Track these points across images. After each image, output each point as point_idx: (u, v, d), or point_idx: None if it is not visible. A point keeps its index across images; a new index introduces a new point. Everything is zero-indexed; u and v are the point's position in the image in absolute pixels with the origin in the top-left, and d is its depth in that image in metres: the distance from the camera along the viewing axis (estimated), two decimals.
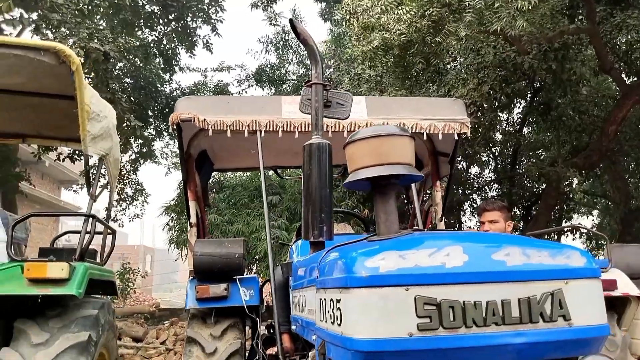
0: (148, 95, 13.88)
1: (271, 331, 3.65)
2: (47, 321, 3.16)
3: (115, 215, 14.70)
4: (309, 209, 2.42)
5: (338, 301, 1.71)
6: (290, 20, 2.80)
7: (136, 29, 14.09)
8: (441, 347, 1.56)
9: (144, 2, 13.84)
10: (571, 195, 10.79)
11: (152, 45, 14.56)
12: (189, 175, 4.41)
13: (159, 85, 14.46)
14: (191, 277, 3.79)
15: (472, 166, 12.28)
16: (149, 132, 14.88)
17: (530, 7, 5.73)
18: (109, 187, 4.71)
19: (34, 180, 13.98)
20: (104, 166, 4.08)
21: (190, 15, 14.57)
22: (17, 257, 3.27)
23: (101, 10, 12.74)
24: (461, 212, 12.47)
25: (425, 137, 4.12)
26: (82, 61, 8.53)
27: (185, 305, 3.72)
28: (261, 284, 4.04)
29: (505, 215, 3.97)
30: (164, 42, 14.78)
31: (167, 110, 13.84)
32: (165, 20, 14.49)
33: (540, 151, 12.22)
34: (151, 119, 14.55)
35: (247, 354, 3.87)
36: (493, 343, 1.58)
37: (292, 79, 15.64)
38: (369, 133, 1.97)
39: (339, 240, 2.17)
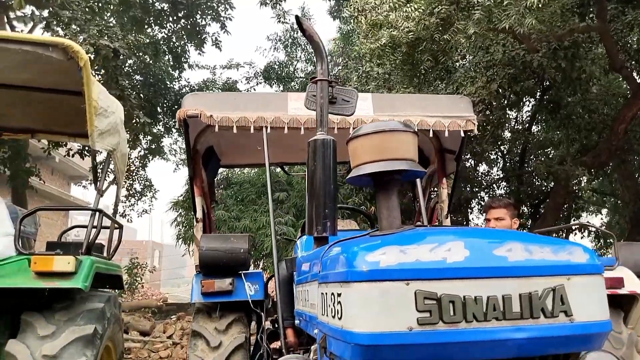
0: (157, 92, 13.96)
1: (276, 326, 3.67)
2: (53, 314, 3.20)
3: (124, 211, 14.83)
4: (313, 205, 2.42)
5: (339, 295, 1.72)
6: (296, 17, 2.81)
7: (146, 27, 14.16)
8: (441, 342, 1.56)
9: None
10: (580, 194, 10.71)
11: (161, 42, 14.64)
12: (195, 171, 4.43)
13: (168, 83, 14.54)
14: (197, 272, 3.82)
15: (480, 164, 12.22)
16: (158, 129, 14.97)
17: (540, 5, 5.68)
18: (116, 182, 4.74)
19: (44, 176, 14.09)
20: (111, 161, 4.11)
21: (199, 12, 14.64)
22: (24, 251, 3.31)
23: (111, 7, 12.84)
24: (469, 210, 12.42)
25: (431, 134, 4.11)
26: (92, 58, 8.62)
27: (191, 299, 3.74)
28: (267, 279, 4.07)
29: (511, 213, 3.97)
30: (174, 40, 14.86)
31: (176, 107, 13.88)
32: (175, 17, 14.56)
33: (549, 150, 12.14)
34: (160, 116, 14.64)
35: (251, 349, 3.89)
36: (493, 338, 1.58)
37: (301, 77, 15.66)
38: (372, 129, 1.98)
39: (343, 236, 2.17)
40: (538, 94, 10.61)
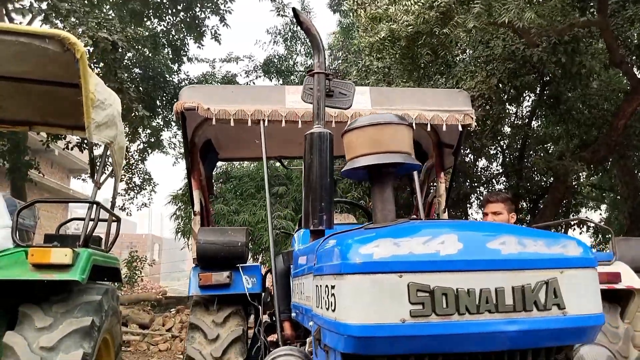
0: (156, 86, 13.92)
1: (273, 319, 3.68)
2: (50, 306, 3.21)
3: (124, 204, 14.83)
4: (310, 198, 2.42)
5: (332, 287, 1.73)
6: (293, 9, 2.79)
7: (145, 19, 14.12)
8: (433, 334, 1.56)
9: None
10: (579, 189, 10.71)
11: (160, 35, 14.58)
12: (193, 164, 4.43)
13: (167, 76, 14.50)
14: (194, 265, 3.83)
15: (479, 159, 12.20)
16: (157, 122, 14.95)
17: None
18: (114, 175, 4.74)
19: (43, 169, 14.10)
20: (108, 154, 4.11)
21: (198, 5, 14.60)
22: (22, 243, 3.31)
23: (110, 0, 12.78)
24: (468, 205, 12.42)
25: (429, 128, 4.10)
26: (91, 51, 8.59)
27: (188, 292, 3.75)
28: (264, 272, 4.07)
29: (508, 207, 3.98)
30: (173, 33, 14.81)
31: (175, 100, 13.80)
32: (174, 10, 14.51)
33: (548, 145, 12.13)
34: (159, 109, 14.60)
35: (249, 341, 3.90)
36: (485, 330, 1.58)
37: (300, 71, 15.61)
38: (367, 121, 1.97)
39: (340, 229, 2.18)
40: (538, 88, 10.58)
